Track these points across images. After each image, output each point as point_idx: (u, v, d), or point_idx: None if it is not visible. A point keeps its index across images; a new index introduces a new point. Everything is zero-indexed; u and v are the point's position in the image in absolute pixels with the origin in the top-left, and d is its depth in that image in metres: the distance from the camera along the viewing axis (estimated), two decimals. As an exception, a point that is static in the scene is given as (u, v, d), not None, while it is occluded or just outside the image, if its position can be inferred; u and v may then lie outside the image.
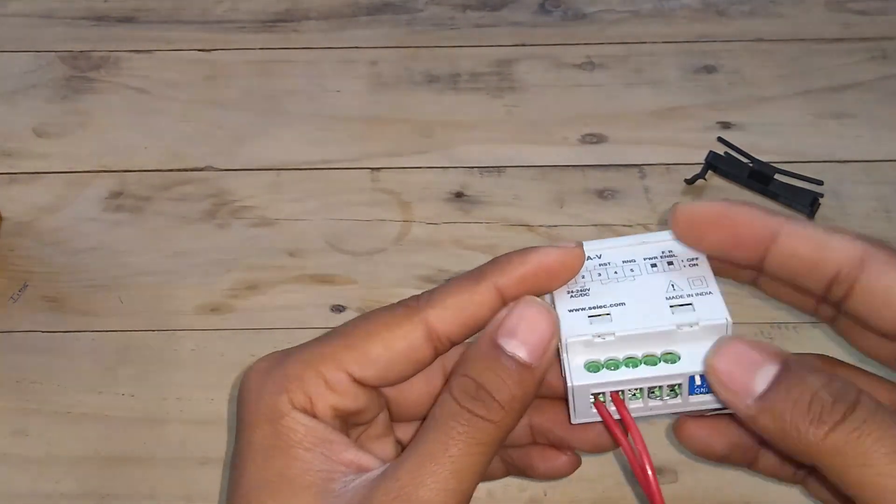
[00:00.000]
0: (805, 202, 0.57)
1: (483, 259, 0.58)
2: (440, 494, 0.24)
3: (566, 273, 0.28)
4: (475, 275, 0.28)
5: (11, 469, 0.48)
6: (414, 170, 0.61)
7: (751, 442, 0.30)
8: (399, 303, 0.28)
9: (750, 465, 0.31)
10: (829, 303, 0.28)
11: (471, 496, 0.25)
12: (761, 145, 0.61)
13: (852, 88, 0.65)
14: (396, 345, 0.27)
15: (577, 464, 0.31)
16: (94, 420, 0.50)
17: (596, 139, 0.62)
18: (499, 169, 0.61)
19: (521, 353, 0.25)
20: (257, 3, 0.71)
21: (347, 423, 0.28)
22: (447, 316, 0.27)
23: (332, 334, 0.28)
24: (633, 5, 0.71)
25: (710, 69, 0.66)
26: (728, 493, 0.48)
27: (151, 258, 0.57)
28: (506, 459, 0.32)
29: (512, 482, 0.47)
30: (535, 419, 0.31)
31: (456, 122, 0.64)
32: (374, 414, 0.29)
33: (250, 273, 0.56)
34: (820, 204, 0.57)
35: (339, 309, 0.54)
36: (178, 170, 0.61)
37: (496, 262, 0.28)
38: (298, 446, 0.26)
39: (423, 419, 0.27)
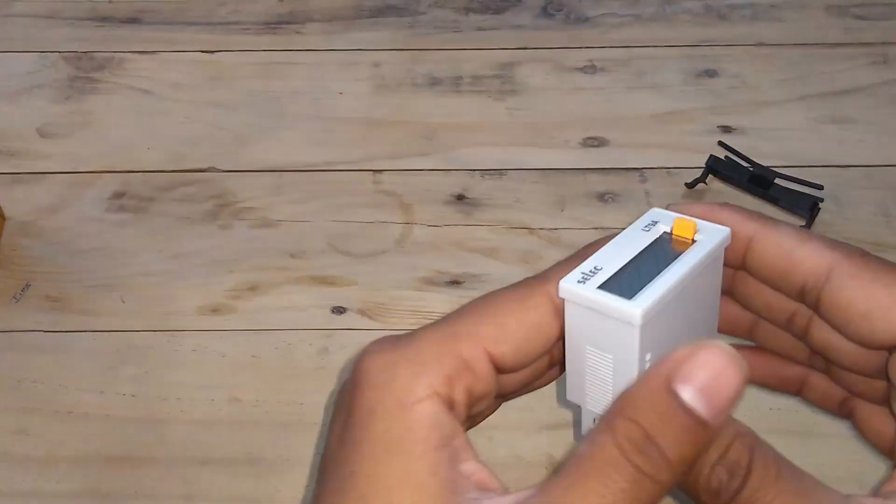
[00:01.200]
0: (805, 207, 0.57)
1: (484, 262, 0.58)
2: None
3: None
4: (578, 254, 0.27)
5: (13, 468, 0.49)
6: (416, 172, 0.61)
7: (794, 372, 0.30)
8: (519, 281, 0.27)
9: (797, 392, 0.30)
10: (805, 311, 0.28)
11: None
12: (762, 149, 0.61)
13: (853, 93, 0.65)
14: (529, 317, 0.26)
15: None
16: (95, 420, 0.50)
17: (597, 142, 0.63)
18: (500, 172, 0.61)
19: (701, 408, 0.21)
20: (261, 5, 0.71)
21: (471, 419, 0.26)
22: None
23: (459, 313, 0.26)
24: (635, 9, 0.71)
25: (711, 73, 0.66)
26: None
27: (153, 259, 0.57)
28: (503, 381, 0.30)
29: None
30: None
31: (458, 125, 0.64)
32: (490, 411, 0.27)
33: (252, 274, 0.56)
34: (820, 208, 0.57)
35: (340, 310, 0.54)
36: (181, 171, 0.62)
37: (597, 243, 0.28)
38: (426, 443, 0.23)
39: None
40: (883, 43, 0.68)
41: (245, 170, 0.62)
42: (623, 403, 0.22)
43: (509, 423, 0.50)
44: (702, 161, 0.60)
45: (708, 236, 0.27)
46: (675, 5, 0.71)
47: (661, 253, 0.27)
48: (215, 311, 0.55)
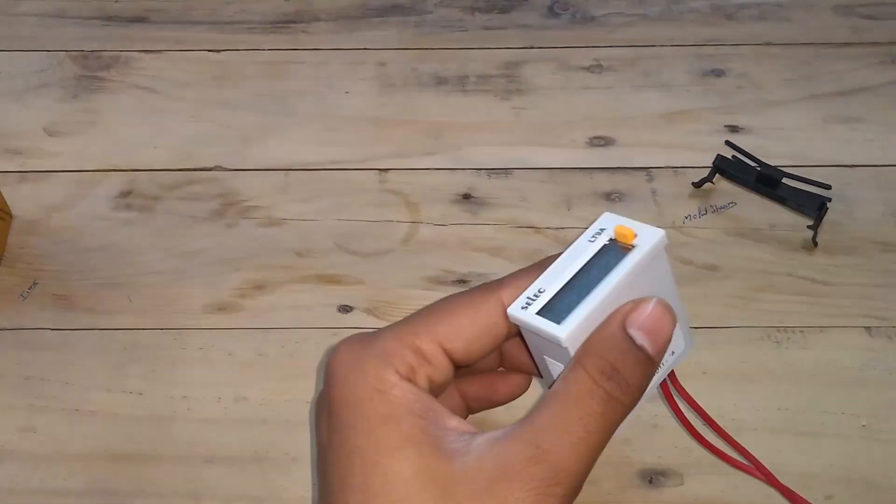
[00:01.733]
0: (813, 206, 0.57)
1: (490, 261, 0.58)
2: (579, 466, 0.26)
3: None
4: (538, 263, 0.32)
5: (19, 466, 0.49)
6: (422, 171, 0.61)
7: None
8: (477, 286, 0.32)
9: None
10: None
11: None
12: (769, 149, 0.61)
13: (861, 93, 0.65)
14: (480, 319, 0.30)
15: (528, 384, 0.36)
16: (102, 418, 0.50)
17: (604, 142, 0.63)
18: (506, 171, 0.61)
19: (649, 347, 0.28)
20: (267, 4, 0.71)
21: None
22: (516, 292, 0.30)
23: (419, 314, 0.31)
24: (641, 8, 0.71)
25: (718, 73, 0.66)
26: (733, 497, 0.48)
27: (160, 257, 0.57)
28: (468, 395, 0.35)
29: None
30: (505, 348, 0.35)
31: (464, 124, 0.64)
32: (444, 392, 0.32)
33: (258, 273, 0.56)
34: (828, 208, 0.57)
35: (346, 309, 0.54)
36: (188, 169, 0.62)
37: (550, 258, 0.32)
38: (412, 414, 0.27)
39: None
40: (891, 42, 0.68)
41: (251, 168, 0.62)
42: (589, 346, 0.28)
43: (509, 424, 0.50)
44: (709, 160, 0.59)
45: (644, 240, 0.31)
46: (682, 4, 0.71)
47: (601, 263, 0.30)
48: (222, 309, 0.55)
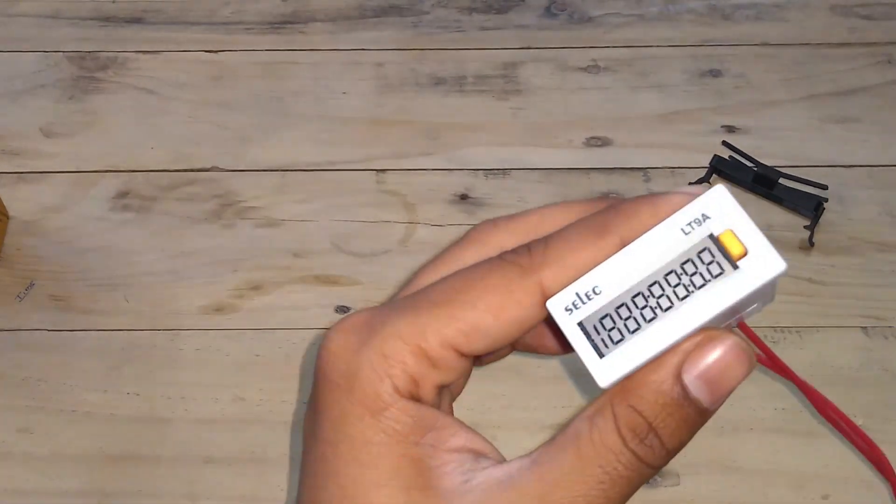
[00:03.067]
0: (809, 206, 0.57)
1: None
2: None
3: None
4: (597, 226, 0.23)
5: (17, 466, 0.49)
6: (419, 171, 0.61)
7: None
8: (505, 257, 0.23)
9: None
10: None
11: None
12: (766, 149, 0.61)
13: (858, 93, 0.65)
14: (509, 314, 0.23)
15: None
16: (98, 418, 0.50)
17: (601, 142, 0.63)
18: (504, 171, 0.61)
19: (706, 401, 0.22)
20: (264, 4, 0.71)
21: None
22: (564, 277, 0.23)
23: (429, 295, 0.24)
24: (638, 9, 0.71)
25: (715, 73, 0.66)
26: (728, 496, 0.48)
27: (157, 258, 0.57)
28: (518, 342, 0.28)
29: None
30: None
31: (461, 125, 0.64)
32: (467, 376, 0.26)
33: (255, 273, 0.56)
34: (824, 208, 0.57)
35: (343, 310, 0.54)
36: (185, 170, 0.62)
37: (621, 212, 0.23)
38: (406, 442, 0.23)
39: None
40: (887, 43, 0.68)
41: (248, 169, 0.62)
42: (627, 389, 0.22)
43: (513, 424, 0.50)
44: (706, 161, 0.59)
45: (756, 264, 0.22)
46: (679, 5, 0.71)
47: (689, 276, 0.23)
48: (219, 310, 0.55)
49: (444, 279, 0.24)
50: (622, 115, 0.64)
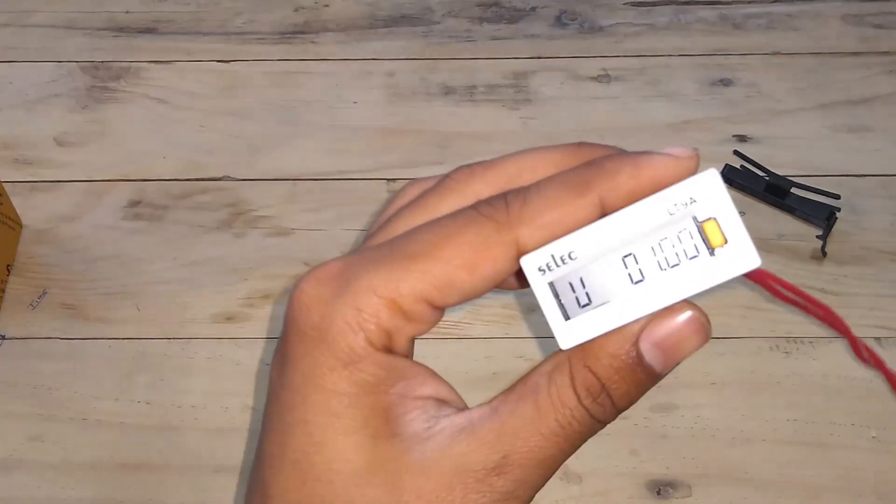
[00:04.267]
0: (822, 216, 0.57)
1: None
2: (542, 480, 0.24)
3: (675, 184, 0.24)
4: (576, 183, 0.23)
5: (28, 474, 0.49)
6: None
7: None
8: (482, 211, 0.23)
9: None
10: None
11: None
12: (778, 159, 0.61)
13: (870, 102, 0.65)
14: (483, 269, 0.23)
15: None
16: (109, 427, 0.50)
17: (611, 151, 0.62)
18: (514, 180, 0.61)
19: (658, 366, 0.23)
20: (276, 14, 0.72)
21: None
22: (540, 234, 0.23)
23: (403, 251, 0.23)
24: (649, 18, 0.71)
25: (726, 82, 0.66)
26: (742, 507, 0.47)
27: (168, 266, 0.57)
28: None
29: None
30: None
31: (472, 134, 0.64)
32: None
33: (266, 282, 0.56)
34: (837, 218, 0.57)
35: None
36: (196, 179, 0.62)
37: (601, 170, 0.23)
38: (377, 392, 0.23)
39: None
40: (900, 52, 0.67)
41: (260, 178, 0.62)
42: (585, 350, 0.24)
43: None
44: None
45: (731, 259, 0.23)
46: (690, 14, 0.71)
47: (665, 254, 0.23)
48: (230, 319, 0.55)
49: (419, 230, 0.24)
50: (633, 124, 0.64)
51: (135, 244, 0.58)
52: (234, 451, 0.49)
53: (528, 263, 0.23)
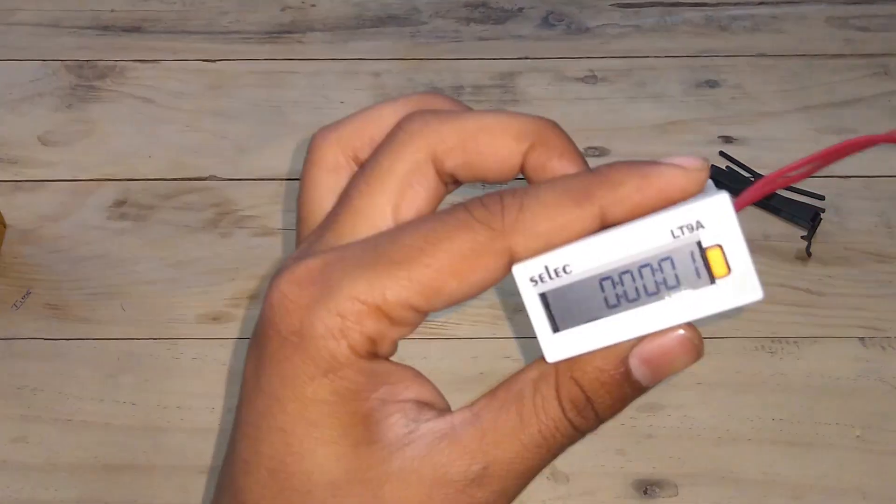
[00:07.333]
0: (807, 217, 0.57)
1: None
2: (520, 490, 0.24)
3: (683, 198, 0.23)
4: (578, 192, 0.22)
5: (11, 476, 0.48)
6: (416, 181, 0.61)
7: None
8: (474, 213, 0.23)
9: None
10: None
11: None
12: (763, 160, 0.61)
13: (854, 104, 0.65)
14: (473, 277, 0.22)
15: None
16: (94, 428, 0.50)
17: (598, 152, 0.63)
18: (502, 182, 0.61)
19: (646, 380, 0.23)
20: (262, 14, 0.72)
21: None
22: (536, 244, 0.22)
23: (389, 255, 0.22)
24: (635, 20, 0.71)
25: (712, 84, 0.67)
26: (728, 507, 0.48)
27: (154, 267, 0.57)
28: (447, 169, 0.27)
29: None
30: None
31: (459, 134, 0.64)
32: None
33: (252, 282, 0.56)
34: (822, 219, 0.57)
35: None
36: (182, 179, 0.62)
37: (605, 181, 0.22)
38: (357, 398, 0.22)
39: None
40: (884, 54, 0.68)
41: (246, 178, 0.62)
42: (572, 362, 0.23)
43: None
44: (703, 171, 0.59)
45: (732, 290, 0.22)
46: (676, 16, 0.71)
47: (664, 276, 0.22)
48: (216, 319, 0.55)
49: (406, 230, 0.23)
50: (619, 125, 0.64)
51: (120, 244, 0.58)
52: (220, 452, 0.49)
53: (521, 273, 0.22)
